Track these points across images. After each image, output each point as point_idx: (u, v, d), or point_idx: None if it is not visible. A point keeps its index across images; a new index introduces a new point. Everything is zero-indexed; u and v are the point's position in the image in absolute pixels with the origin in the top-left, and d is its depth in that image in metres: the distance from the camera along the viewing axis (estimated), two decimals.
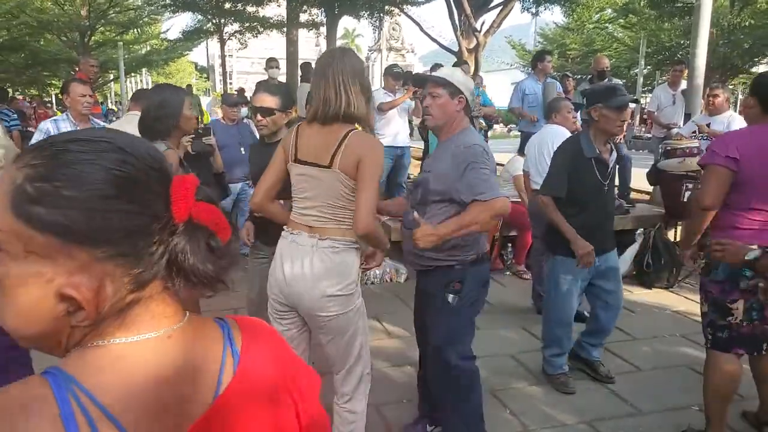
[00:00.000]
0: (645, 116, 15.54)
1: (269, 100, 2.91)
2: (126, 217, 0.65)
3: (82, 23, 20.38)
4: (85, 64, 6.78)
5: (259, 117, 2.93)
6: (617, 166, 3.38)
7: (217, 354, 0.74)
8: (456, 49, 14.74)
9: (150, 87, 3.53)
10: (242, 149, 5.48)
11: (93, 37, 21.57)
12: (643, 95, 18.14)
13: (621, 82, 7.55)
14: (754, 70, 19.70)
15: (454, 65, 8.48)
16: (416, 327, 2.92)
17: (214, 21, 21.59)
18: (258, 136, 3.30)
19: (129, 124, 3.57)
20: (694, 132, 5.81)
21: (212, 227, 0.70)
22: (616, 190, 4.73)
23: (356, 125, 2.22)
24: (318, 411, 0.86)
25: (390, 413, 3.14)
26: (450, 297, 2.55)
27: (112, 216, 0.64)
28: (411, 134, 7.56)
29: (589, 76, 7.43)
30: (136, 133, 2.79)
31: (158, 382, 0.67)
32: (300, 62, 9.95)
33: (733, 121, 5.58)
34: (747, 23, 17.74)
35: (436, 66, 7.67)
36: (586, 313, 4.01)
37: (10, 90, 18.42)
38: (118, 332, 0.68)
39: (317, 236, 2.19)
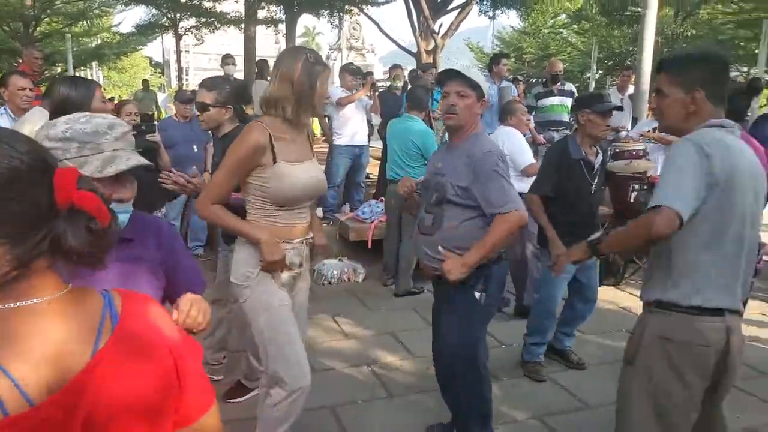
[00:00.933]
0: None
1: (205, 96, 2.92)
2: (8, 205, 0.75)
3: (27, 12, 19.54)
4: (28, 56, 6.49)
5: (197, 112, 2.99)
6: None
7: (95, 316, 0.84)
8: (415, 50, 14.84)
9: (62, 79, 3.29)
10: (195, 146, 5.41)
11: (38, 28, 20.73)
12: None
13: (575, 86, 7.74)
14: None
15: (419, 67, 8.56)
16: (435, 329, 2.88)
17: (169, 15, 21.11)
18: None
19: (31, 119, 3.39)
20: (643, 135, 5.99)
21: (93, 213, 0.80)
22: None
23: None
24: (198, 372, 0.95)
25: (345, 415, 3.14)
26: (478, 295, 2.55)
27: None
28: (371, 135, 7.54)
29: (543, 80, 7.59)
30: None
31: (41, 339, 0.78)
32: (258, 59, 9.86)
33: None
34: (689, 33, 18.52)
35: (395, 67, 7.72)
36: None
37: None
38: (1, 301, 0.78)
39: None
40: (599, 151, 3.58)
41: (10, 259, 0.76)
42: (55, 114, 2.58)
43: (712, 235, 1.82)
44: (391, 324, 4.39)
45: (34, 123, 2.67)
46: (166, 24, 22.07)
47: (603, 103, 3.44)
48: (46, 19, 21.47)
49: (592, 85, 16.82)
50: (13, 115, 3.99)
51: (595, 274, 3.75)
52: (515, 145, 4.47)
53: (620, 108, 4.01)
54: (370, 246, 5.56)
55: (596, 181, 3.53)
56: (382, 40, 16.40)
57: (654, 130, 5.89)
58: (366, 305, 4.80)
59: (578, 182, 3.47)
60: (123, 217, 1.43)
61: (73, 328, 0.81)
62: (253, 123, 2.22)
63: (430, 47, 14.08)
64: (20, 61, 9.38)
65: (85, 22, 23.35)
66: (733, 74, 26.24)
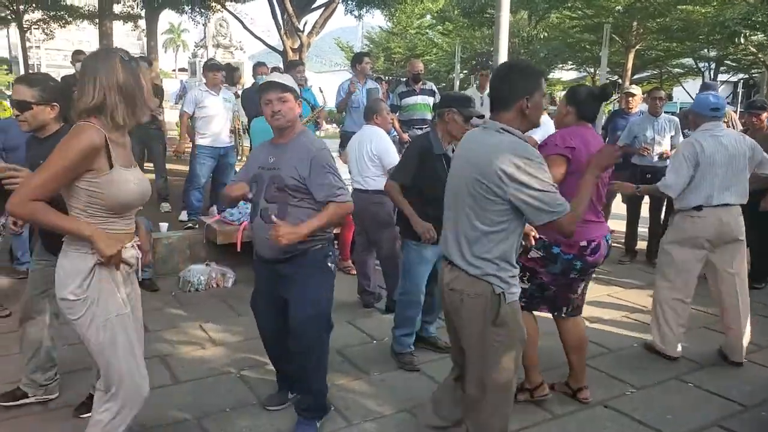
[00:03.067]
0: None
1: (26, 93, 2.66)
2: None
3: None
4: None
5: (16, 112, 2.70)
6: None
7: None
8: (282, 48, 14.67)
9: None
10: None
11: None
12: None
13: (442, 86, 8.04)
14: (550, 77, 22.26)
15: (288, 65, 8.41)
16: (276, 308, 3.01)
17: (11, 7, 19.16)
18: None
19: None
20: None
21: None
22: None
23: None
24: None
25: (212, 425, 3.03)
26: (332, 266, 2.97)
27: None
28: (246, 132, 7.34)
29: (405, 79, 7.81)
30: None
31: None
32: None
33: (545, 123, 6.14)
34: (542, 35, 20.03)
35: (259, 64, 7.58)
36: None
37: None
38: None
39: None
40: (454, 147, 3.72)
41: None
42: None
43: None
44: None
45: None
46: (8, 17, 20.01)
47: (469, 107, 3.59)
48: None
49: (457, 84, 17.59)
50: None
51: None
52: (382, 145, 4.55)
53: (482, 116, 4.19)
54: (239, 248, 5.39)
55: None
56: (251, 37, 16.01)
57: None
58: (236, 311, 4.66)
59: (440, 176, 3.54)
60: None
61: None
62: (83, 124, 2.06)
63: (296, 45, 13.98)
64: None
65: None
66: (582, 74, 28.69)
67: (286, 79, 2.89)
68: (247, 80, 11.31)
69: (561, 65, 23.72)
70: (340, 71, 33.62)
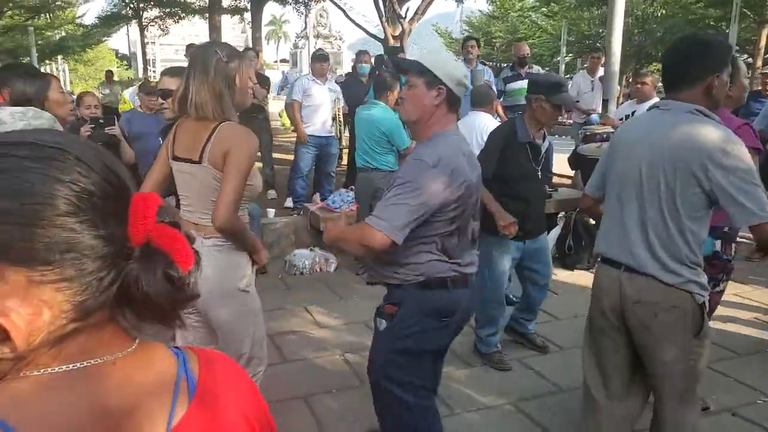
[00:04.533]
0: None
1: (170, 82, 2.86)
2: (73, 237, 0.57)
3: None
4: None
5: (160, 100, 2.91)
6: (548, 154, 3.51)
7: (169, 381, 0.67)
8: (382, 36, 14.73)
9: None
10: (161, 139, 5.27)
11: (0, 22, 20.16)
12: None
13: (543, 70, 7.74)
14: None
15: (386, 52, 8.41)
16: None
17: (132, 5, 20.61)
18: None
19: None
20: (622, 119, 5.98)
21: (173, 254, 0.62)
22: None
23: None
24: None
25: (317, 404, 3.10)
26: (378, 321, 2.20)
27: (56, 234, 0.56)
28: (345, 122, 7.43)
29: (511, 64, 7.57)
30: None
31: (101, 413, 0.60)
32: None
33: None
34: (659, 13, 18.65)
35: (361, 53, 7.62)
36: (512, 297, 4.11)
37: None
38: (52, 362, 0.60)
39: (202, 235, 2.12)
40: (546, 135, 3.50)
41: (69, 309, 0.58)
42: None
43: None
44: (363, 313, 4.34)
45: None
46: (130, 15, 21.56)
47: (560, 94, 3.26)
48: (8, 13, 20.85)
49: (562, 68, 16.90)
50: None
51: (546, 258, 3.71)
52: None
53: (576, 102, 3.94)
54: None
55: (541, 166, 3.46)
56: (350, 26, 16.21)
57: (633, 113, 5.89)
58: (338, 295, 4.75)
59: (524, 166, 3.36)
60: None
61: (143, 395, 0.64)
62: (237, 125, 2.14)
63: (397, 33, 13.98)
64: None
65: (47, 14, 22.74)
66: None
67: (426, 55, 2.37)
68: (345, 69, 11.45)
69: None
70: None
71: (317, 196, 6.30)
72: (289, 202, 6.58)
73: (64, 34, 25.38)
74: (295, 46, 25.52)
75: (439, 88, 2.09)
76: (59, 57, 25.98)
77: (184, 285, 0.63)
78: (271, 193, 7.10)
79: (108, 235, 0.59)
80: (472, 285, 2.27)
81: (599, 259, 2.25)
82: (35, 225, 0.56)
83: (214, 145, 2.06)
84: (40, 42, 19.47)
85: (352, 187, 5.69)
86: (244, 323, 2.29)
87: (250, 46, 15.58)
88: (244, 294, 2.25)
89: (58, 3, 21.97)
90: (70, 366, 0.61)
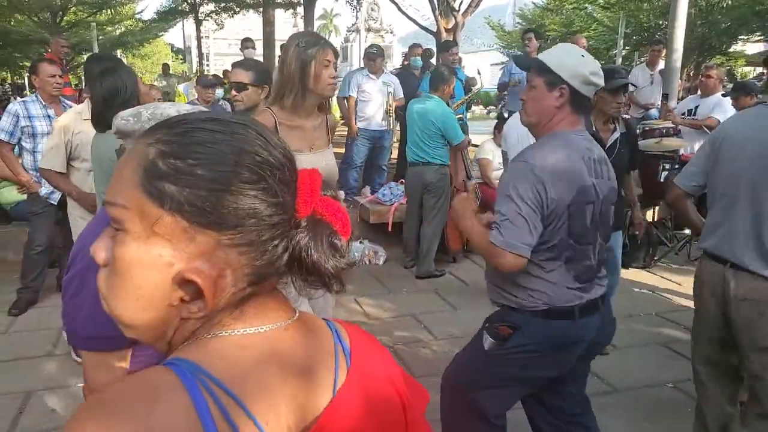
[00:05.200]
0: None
1: (242, 75, 2.91)
2: (257, 204, 0.62)
3: (54, 3, 19.79)
4: (55, 45, 6.61)
5: (233, 92, 2.95)
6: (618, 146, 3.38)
7: (330, 348, 0.72)
8: (435, 29, 14.60)
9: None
10: None
11: (65, 18, 20.99)
12: None
13: (601, 63, 7.54)
14: (731, 50, 19.86)
15: (442, 45, 8.28)
16: None
17: (188, 0, 21.12)
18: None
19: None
20: (684, 114, 5.78)
21: (335, 225, 0.68)
22: None
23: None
24: (424, 422, 0.81)
25: None
26: (486, 338, 1.99)
27: (243, 200, 0.61)
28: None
29: None
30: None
31: (284, 373, 0.65)
32: (278, 43, 9.80)
33: (720, 104, 5.51)
34: (725, 3, 17.81)
35: (415, 46, 7.58)
36: None
37: None
38: (236, 324, 0.65)
39: None
40: (616, 127, 3.40)
41: (248, 273, 0.63)
42: (102, 106, 2.60)
43: None
44: (412, 306, 4.37)
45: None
46: (186, 9, 22.10)
47: (613, 79, 3.17)
48: (72, 9, 21.75)
49: (619, 62, 16.38)
50: (44, 102, 4.02)
51: (615, 259, 3.61)
52: None
53: (632, 84, 3.79)
54: (390, 228, 5.52)
55: (612, 158, 3.36)
56: (401, 20, 16.14)
57: (696, 108, 5.68)
58: (387, 287, 4.77)
59: None
60: None
61: (313, 360, 0.69)
62: (262, 109, 2.20)
63: (450, 25, 13.81)
64: (48, 49, 9.50)
65: (109, 10, 23.59)
66: None
67: (549, 54, 2.08)
68: (395, 63, 11.40)
69: (747, 36, 20.87)
70: (489, 51, 32.91)
71: (367, 189, 6.33)
72: (342, 194, 6.63)
73: (123, 29, 26.28)
74: (346, 39, 25.59)
75: (561, 88, 1.91)
76: (119, 51, 26.93)
77: (345, 252, 0.69)
78: None
79: (282, 204, 0.64)
80: (601, 308, 2.03)
81: (702, 253, 2.28)
82: (226, 191, 0.60)
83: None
84: (101, 37, 20.19)
85: (402, 180, 5.70)
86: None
87: None
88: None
89: None
90: (253, 329, 0.65)
